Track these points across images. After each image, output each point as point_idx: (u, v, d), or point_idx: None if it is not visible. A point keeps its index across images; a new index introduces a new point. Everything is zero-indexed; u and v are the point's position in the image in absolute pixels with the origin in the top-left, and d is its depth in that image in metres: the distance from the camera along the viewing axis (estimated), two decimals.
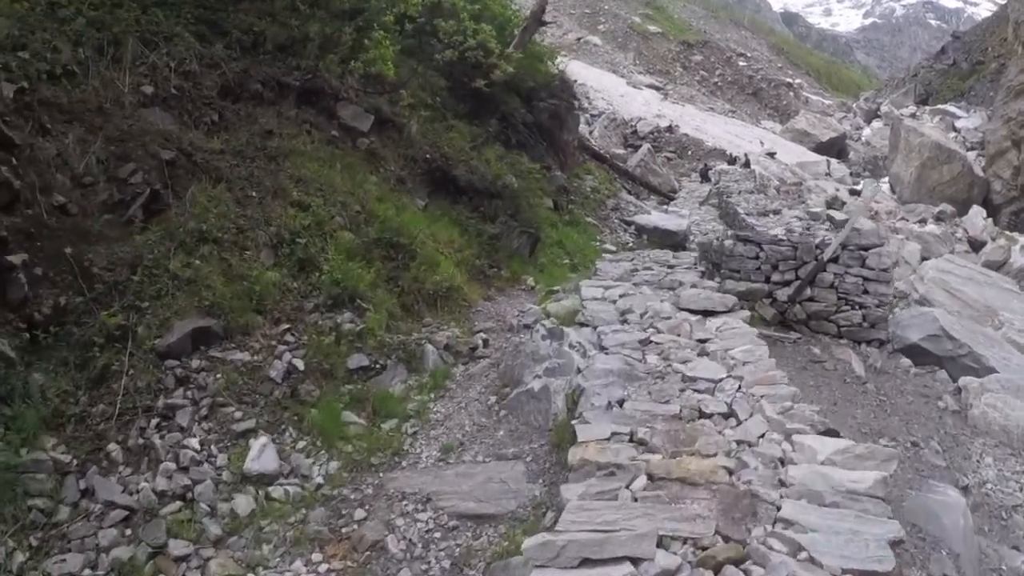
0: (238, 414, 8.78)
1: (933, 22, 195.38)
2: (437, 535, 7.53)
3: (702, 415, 7.66)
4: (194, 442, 8.35)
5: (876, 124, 55.36)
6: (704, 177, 37.90)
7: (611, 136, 41.79)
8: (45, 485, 7.68)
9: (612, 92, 49.86)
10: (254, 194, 11.61)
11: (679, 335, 10.13)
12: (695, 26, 78.83)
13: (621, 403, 7.90)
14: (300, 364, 9.59)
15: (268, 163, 12.38)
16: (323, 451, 8.80)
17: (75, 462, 7.98)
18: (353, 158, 14.47)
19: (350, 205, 12.74)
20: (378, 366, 10.39)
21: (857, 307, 12.55)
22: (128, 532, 7.61)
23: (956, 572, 7.18)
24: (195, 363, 9.12)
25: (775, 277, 12.59)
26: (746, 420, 7.49)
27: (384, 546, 7.45)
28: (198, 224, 10.37)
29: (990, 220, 32.33)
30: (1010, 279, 23.44)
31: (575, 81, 34.86)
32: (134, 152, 10.75)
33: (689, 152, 43.56)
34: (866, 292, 12.51)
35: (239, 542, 7.68)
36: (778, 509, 5.91)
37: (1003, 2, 54.54)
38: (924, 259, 26.09)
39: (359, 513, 7.83)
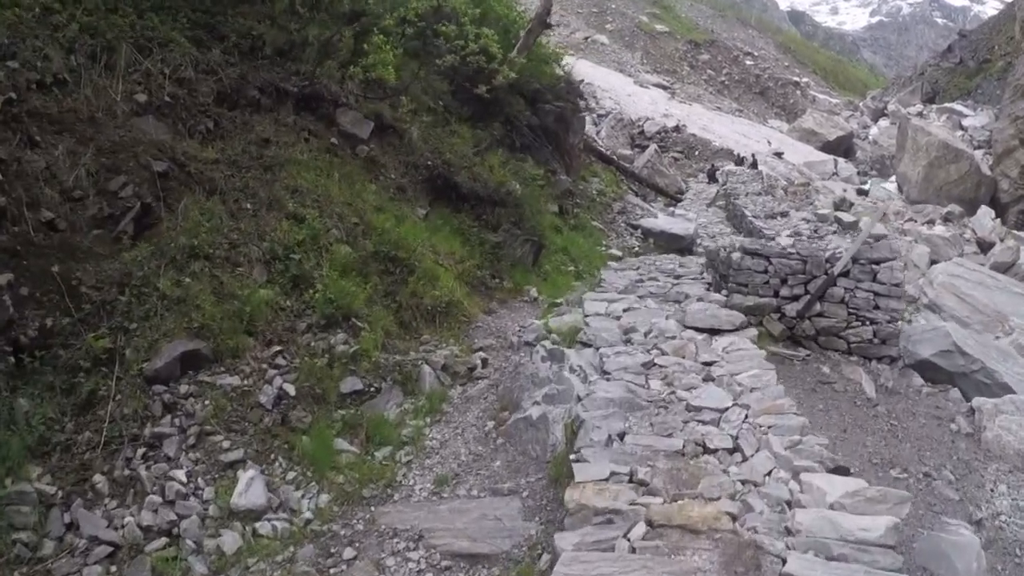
0: (226, 443, 8.50)
1: (940, 20, 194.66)
2: None
3: (706, 450, 7.33)
4: (181, 474, 8.08)
5: (883, 123, 54.96)
6: (711, 178, 37.58)
7: (618, 136, 41.51)
8: (30, 518, 7.44)
9: (619, 91, 49.50)
10: (248, 206, 11.33)
11: (684, 357, 9.82)
12: (702, 25, 78.46)
13: (622, 437, 7.57)
14: (291, 389, 9.30)
15: (264, 173, 12.07)
16: (313, 482, 8.51)
17: (60, 494, 7.73)
18: (352, 166, 14.16)
19: (347, 217, 12.45)
20: (372, 389, 10.09)
21: (868, 323, 12.25)
22: (113, 569, 7.34)
23: None
24: (183, 388, 8.84)
25: (784, 291, 12.29)
26: (752, 456, 7.16)
27: None
28: (189, 239, 10.10)
29: (998, 221, 31.96)
30: (1021, 283, 23.06)
31: (582, 80, 34.59)
32: (125, 164, 10.45)
33: (696, 152, 43.18)
34: (877, 307, 12.22)
35: None
36: (783, 563, 5.59)
37: (1010, 0, 54.14)
38: (933, 262, 25.79)
39: (348, 552, 7.50)
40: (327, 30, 14.53)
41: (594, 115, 41.86)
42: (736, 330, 11.09)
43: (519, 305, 14.69)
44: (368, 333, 10.60)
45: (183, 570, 7.38)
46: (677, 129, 44.63)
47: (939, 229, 30.81)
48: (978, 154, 36.83)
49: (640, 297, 13.25)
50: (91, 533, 7.49)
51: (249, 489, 7.97)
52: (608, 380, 8.94)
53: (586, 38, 64.03)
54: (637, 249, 23.29)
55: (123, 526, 7.60)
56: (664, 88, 57.42)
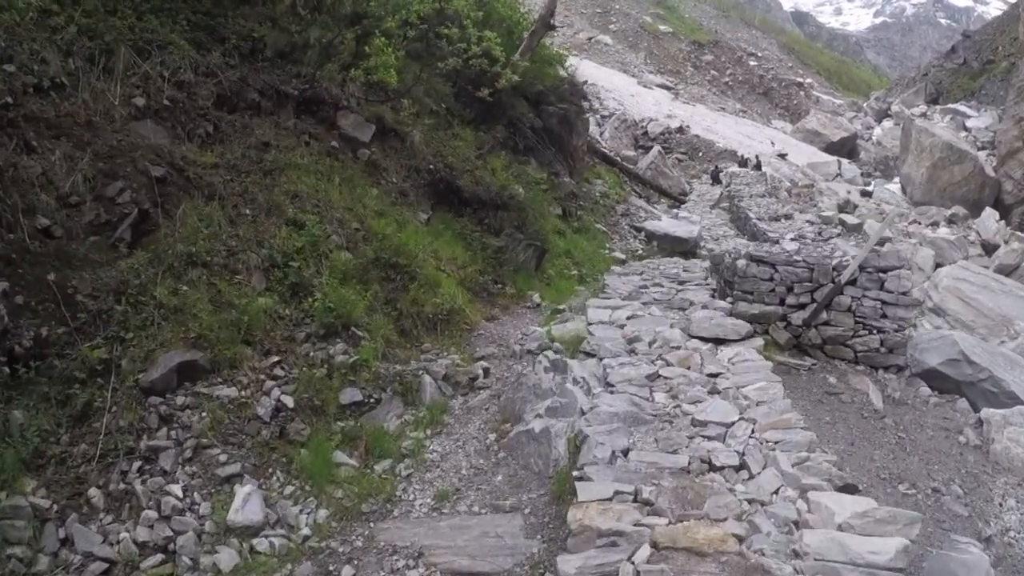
0: (223, 457, 8.35)
1: (943, 21, 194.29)
2: None
3: (712, 467, 7.16)
4: (177, 488, 7.94)
5: (887, 124, 54.83)
6: (715, 179, 37.50)
7: (622, 137, 41.39)
8: (24, 533, 7.33)
9: (623, 92, 49.39)
10: (247, 212, 11.20)
11: (689, 368, 9.63)
12: (706, 26, 78.34)
13: (626, 453, 7.38)
14: (289, 401, 9.14)
15: (263, 178, 11.96)
16: (312, 497, 8.35)
17: (55, 507, 7.62)
18: (353, 170, 14.03)
19: (348, 222, 12.32)
20: (372, 400, 9.94)
21: (875, 332, 12.07)
22: None
23: None
24: (180, 400, 8.70)
25: (790, 300, 12.12)
26: (759, 474, 7.00)
27: None
28: (187, 246, 9.98)
29: (1003, 223, 31.85)
30: None
31: (585, 81, 34.46)
32: (123, 169, 10.33)
33: (700, 153, 43.08)
34: (884, 316, 12.04)
35: None
36: None
37: (1013, 1, 54.03)
38: (938, 265, 25.70)
39: (347, 570, 7.33)
40: (328, 32, 14.39)
41: (597, 116, 41.79)
42: (742, 340, 10.92)
43: (522, 311, 14.54)
44: (368, 342, 10.45)
45: None
46: (681, 130, 44.54)
47: (943, 231, 30.73)
48: (982, 155, 36.74)
49: (644, 304, 13.06)
50: (86, 549, 7.36)
51: (246, 505, 7.83)
52: (612, 393, 8.76)
53: (590, 39, 63.95)
54: (641, 252, 23.16)
55: (118, 542, 7.47)
56: (668, 89, 57.32)
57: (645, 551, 5.78)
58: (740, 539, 5.95)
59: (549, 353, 10.62)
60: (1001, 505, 9.30)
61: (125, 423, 8.27)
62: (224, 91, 12.69)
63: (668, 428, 7.92)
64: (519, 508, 8.00)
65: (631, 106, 46.64)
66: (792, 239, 24.15)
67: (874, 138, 53.66)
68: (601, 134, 38.92)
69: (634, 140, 42.37)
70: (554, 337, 11.60)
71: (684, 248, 23.93)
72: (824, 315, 12.02)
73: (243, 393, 9.03)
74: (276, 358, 9.65)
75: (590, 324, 11.77)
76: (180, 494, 7.91)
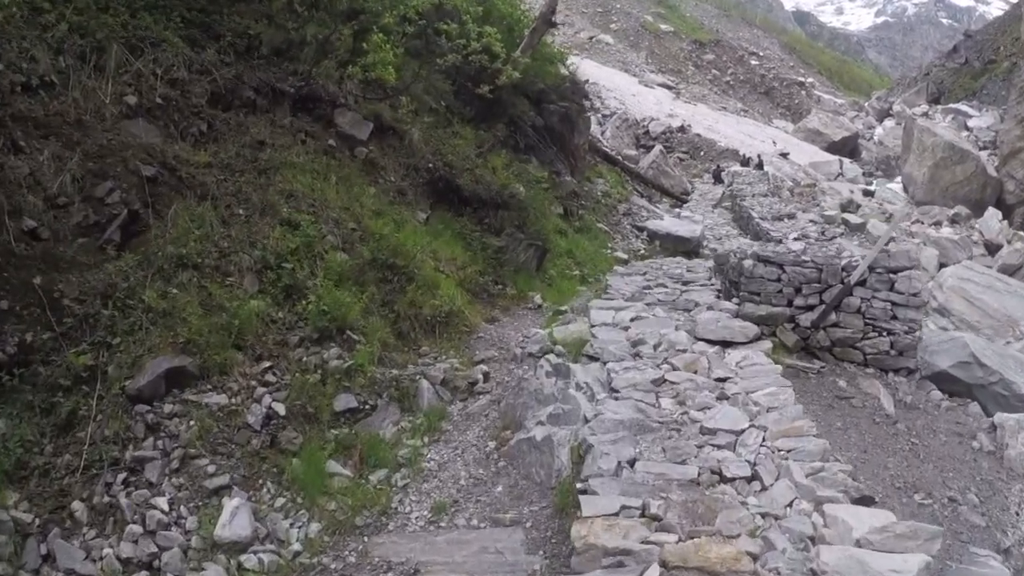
0: (211, 468, 8.04)
1: (945, 21, 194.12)
2: None
3: (723, 479, 6.84)
4: (162, 501, 7.64)
5: (888, 123, 54.63)
6: (717, 179, 37.29)
7: (623, 136, 41.14)
8: (5, 548, 7.09)
9: (624, 91, 49.15)
10: (241, 212, 10.91)
11: (696, 372, 9.32)
12: (707, 25, 78.15)
13: (632, 464, 7.06)
14: (281, 408, 8.81)
15: (258, 177, 11.67)
16: (303, 510, 8.02)
17: (37, 522, 7.37)
18: (350, 169, 13.72)
19: (344, 222, 12.02)
20: (367, 407, 9.61)
21: (885, 333, 11.74)
22: None
23: None
24: (167, 407, 8.40)
25: (798, 301, 11.78)
26: (772, 485, 6.69)
27: None
28: (177, 248, 9.70)
29: (1005, 223, 31.61)
30: None
31: (586, 80, 34.21)
32: (113, 169, 10.07)
33: (702, 153, 42.84)
34: (895, 318, 11.72)
35: None
36: None
37: (1015, 1, 53.84)
38: (942, 265, 25.45)
39: None
40: (326, 28, 14.09)
41: (599, 115, 41.54)
42: (750, 342, 10.62)
43: (523, 313, 14.22)
44: (364, 346, 10.13)
45: None
46: (682, 129, 44.33)
47: (946, 231, 30.50)
48: (983, 155, 36.50)
49: (648, 305, 12.78)
50: (68, 566, 7.11)
51: (234, 519, 7.49)
52: (617, 399, 8.44)
53: (591, 38, 63.73)
54: (643, 252, 22.89)
55: (101, 558, 7.20)
56: (669, 88, 57.12)
57: (654, 571, 5.45)
58: (754, 557, 5.63)
59: (551, 357, 10.31)
60: (1018, 514, 9.01)
61: (110, 433, 8.00)
62: (219, 89, 12.40)
63: (676, 436, 7.60)
64: (520, 522, 7.67)
65: (632, 105, 46.42)
66: (796, 239, 23.97)
67: (875, 138, 53.46)
68: (602, 133, 38.67)
69: (635, 139, 42.15)
70: (556, 340, 11.29)
71: (687, 248, 23.70)
72: (833, 317, 11.70)
73: (233, 400, 8.72)
74: (268, 363, 9.33)
75: (593, 326, 11.48)
76: (166, 507, 7.61)
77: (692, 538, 5.83)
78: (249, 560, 7.35)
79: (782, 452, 7.27)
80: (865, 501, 6.68)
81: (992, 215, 31.76)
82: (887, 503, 7.96)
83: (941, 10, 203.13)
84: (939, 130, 37.86)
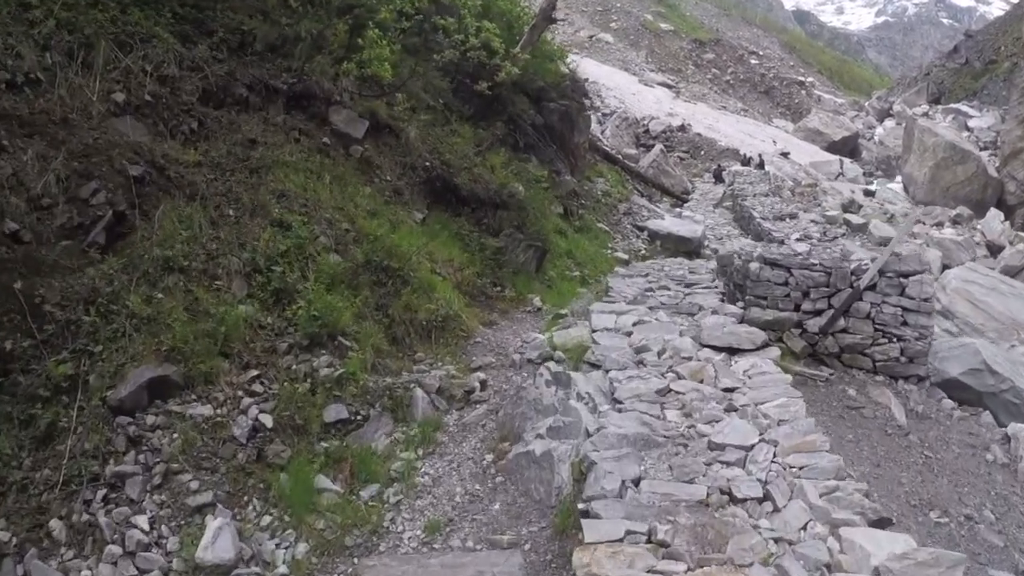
0: (194, 484, 7.70)
1: (945, 21, 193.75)
2: None
3: (733, 500, 6.49)
4: (143, 520, 7.31)
5: (889, 123, 54.44)
6: (718, 178, 36.99)
7: (623, 135, 40.82)
8: None
9: (624, 90, 48.81)
10: (231, 212, 10.58)
11: (702, 381, 8.98)
12: (707, 24, 77.76)
13: (637, 483, 6.70)
14: (268, 420, 8.46)
15: (249, 176, 11.36)
16: (290, 529, 7.66)
17: (14, 540, 7.06)
18: (345, 168, 13.37)
19: (337, 223, 11.67)
20: (359, 417, 9.24)
21: (895, 340, 11.40)
22: None
23: None
24: (150, 419, 8.07)
25: (806, 305, 11.41)
26: (785, 507, 6.34)
27: None
28: (164, 251, 9.38)
29: (1008, 223, 31.37)
30: None
31: (586, 79, 33.87)
32: (98, 168, 9.76)
33: (702, 152, 42.51)
34: (905, 324, 11.37)
35: None
36: None
37: (1016, 1, 53.65)
38: (945, 267, 25.16)
39: None
40: (320, 24, 13.74)
41: (599, 114, 41.23)
42: (757, 349, 10.28)
43: (521, 316, 13.85)
44: (356, 353, 9.77)
45: None
46: (682, 128, 44.01)
47: (949, 232, 30.26)
48: (984, 155, 36.28)
49: (651, 308, 12.45)
50: None
51: (217, 541, 7.11)
52: (620, 411, 8.08)
53: (591, 36, 63.39)
54: (644, 252, 22.57)
55: None
56: (669, 87, 56.79)
57: None
58: None
59: (551, 364, 9.94)
60: None
61: (90, 446, 7.68)
62: (210, 86, 12.11)
63: (683, 452, 7.25)
64: (518, 543, 7.30)
65: (632, 104, 46.10)
66: (798, 239, 23.73)
67: (876, 137, 53.24)
68: (602, 132, 38.35)
69: (635, 138, 41.85)
70: (556, 345, 10.94)
71: (688, 248, 23.41)
72: (842, 322, 11.35)
73: (218, 411, 8.38)
74: (255, 372, 8.98)
75: (594, 331, 11.14)
76: (146, 527, 7.28)
77: (702, 566, 5.47)
78: None
79: (794, 469, 6.93)
80: (882, 523, 6.34)
81: (994, 216, 31.55)
82: (903, 522, 7.63)
83: (942, 10, 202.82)
84: (940, 130, 37.67)
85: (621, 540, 5.78)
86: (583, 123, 26.33)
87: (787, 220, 26.72)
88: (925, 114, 45.96)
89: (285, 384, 8.95)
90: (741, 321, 11.30)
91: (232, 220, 10.44)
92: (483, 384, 10.52)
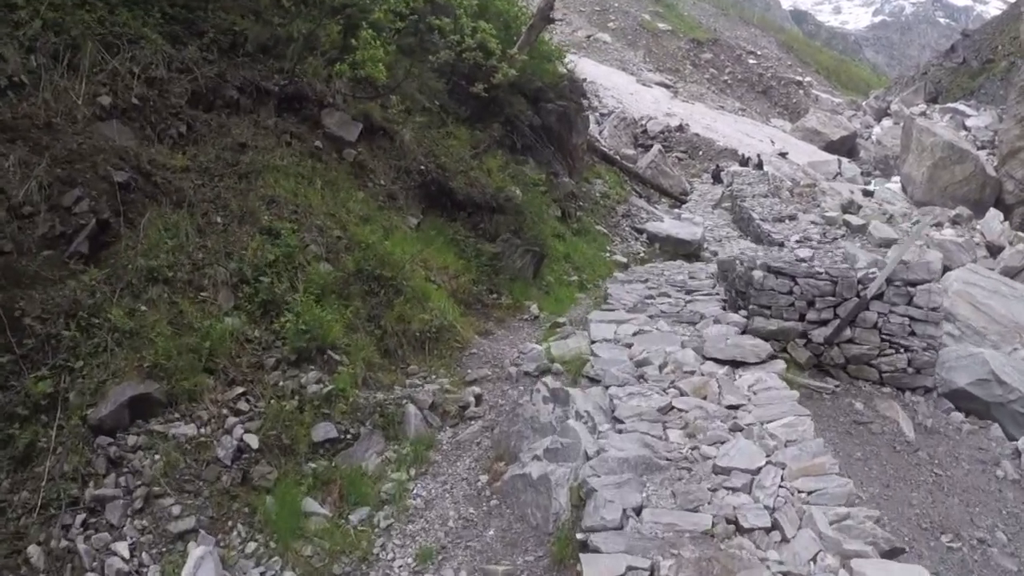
0: (176, 508, 7.35)
1: (942, 20, 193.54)
2: None
3: (739, 529, 6.17)
4: (123, 547, 6.97)
5: (886, 122, 54.39)
6: (716, 179, 36.79)
7: (621, 136, 40.58)
8: None
9: (622, 90, 48.56)
10: (219, 220, 10.26)
11: (705, 398, 8.65)
12: (705, 24, 77.62)
13: (638, 512, 6.39)
14: (254, 440, 8.11)
15: (238, 182, 11.05)
16: (276, 556, 7.30)
17: None
18: (337, 172, 13.07)
19: (329, 230, 11.36)
20: (349, 436, 8.89)
21: (902, 350, 11.15)
22: None
23: None
24: (131, 439, 7.73)
25: (811, 315, 11.16)
26: (794, 537, 6.02)
27: None
28: (148, 261, 9.04)
29: (1007, 224, 31.14)
30: None
31: (584, 79, 33.59)
32: (82, 175, 9.43)
33: (700, 152, 42.27)
34: (913, 334, 11.11)
35: None
36: None
37: (1013, 0, 53.54)
38: (946, 268, 24.89)
39: None
40: (313, 24, 13.43)
41: (596, 114, 40.99)
42: (761, 363, 9.97)
43: (518, 324, 13.54)
44: (346, 368, 9.43)
45: None
46: (680, 128, 43.79)
47: (949, 232, 30.01)
48: (982, 155, 36.12)
49: (651, 317, 12.18)
50: None
51: (199, 571, 6.74)
52: (620, 432, 7.75)
53: (588, 36, 63.16)
54: (643, 255, 22.32)
55: None
56: (667, 87, 56.58)
57: None
58: None
59: (548, 379, 9.59)
60: None
61: (70, 468, 7.34)
62: (200, 88, 11.79)
63: (686, 477, 6.94)
64: (514, 574, 6.98)
65: (630, 104, 45.84)
66: (798, 241, 23.58)
67: (874, 137, 53.14)
68: (600, 132, 38.11)
69: (633, 139, 41.63)
70: (554, 357, 10.64)
71: (687, 251, 23.23)
72: (848, 332, 11.09)
73: (202, 431, 8.03)
74: (241, 389, 8.62)
75: (593, 342, 10.86)
76: (126, 554, 6.94)
77: None
78: None
79: (803, 495, 6.62)
80: (895, 553, 6.05)
81: (994, 216, 31.35)
82: (915, 547, 7.36)
83: (939, 9, 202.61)
84: (938, 130, 37.51)
85: None
86: (581, 124, 26.08)
87: (786, 222, 26.57)
88: (923, 113, 45.94)
89: (272, 402, 8.61)
90: (744, 331, 11.04)
91: (220, 228, 10.13)
92: (478, 399, 10.19)
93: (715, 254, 21.91)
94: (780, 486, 6.73)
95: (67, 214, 9.07)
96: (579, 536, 6.19)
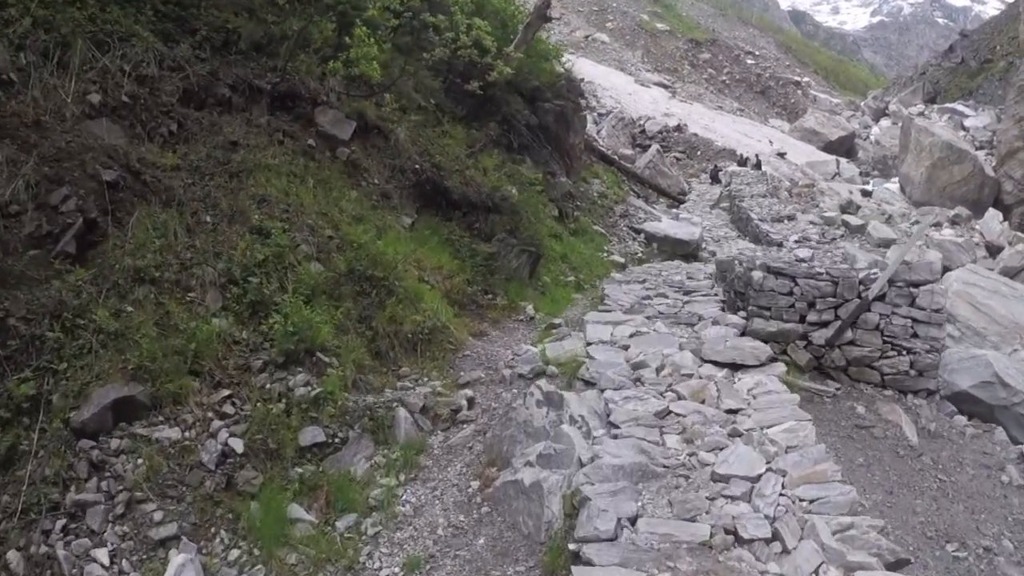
0: (158, 514, 7.17)
1: (941, 20, 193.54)
2: None
3: (739, 540, 5.97)
4: (103, 554, 6.82)
5: (884, 123, 54.24)
6: (714, 179, 36.65)
7: (619, 136, 40.41)
8: None
9: (620, 90, 48.38)
10: (208, 219, 10.11)
11: (704, 402, 8.47)
12: (703, 24, 77.48)
13: (633, 521, 6.19)
14: (239, 445, 7.93)
15: (229, 180, 10.91)
16: (260, 564, 7.11)
17: None
18: (330, 171, 12.89)
19: (320, 229, 11.18)
20: (337, 440, 8.70)
21: (904, 352, 10.94)
22: None
23: None
24: (114, 443, 7.57)
25: (811, 317, 10.94)
26: (795, 548, 5.83)
27: None
28: (135, 260, 8.90)
29: (1006, 224, 31.03)
30: None
31: (582, 79, 33.44)
32: (70, 173, 9.31)
33: (698, 152, 42.10)
34: (915, 336, 10.91)
35: None
36: None
37: (1011, 0, 53.45)
38: (946, 269, 24.74)
39: None
40: (306, 21, 13.25)
41: (595, 114, 40.84)
42: (761, 365, 9.78)
43: (513, 325, 13.35)
44: (335, 370, 9.24)
45: None
46: (679, 128, 43.61)
47: (948, 232, 29.91)
48: (980, 155, 36.02)
49: (648, 318, 11.97)
50: None
51: None
52: (616, 437, 7.55)
53: (586, 36, 63.00)
54: (640, 255, 22.14)
55: None
56: (665, 87, 56.41)
57: None
58: None
59: (543, 383, 9.34)
60: None
61: (51, 472, 7.20)
62: (191, 86, 11.67)
63: (684, 485, 6.74)
64: None
65: (628, 104, 45.66)
66: (796, 241, 23.47)
67: (872, 137, 52.97)
68: (598, 132, 37.94)
69: (632, 139, 41.45)
70: (549, 359, 10.44)
71: (685, 251, 23.08)
72: (849, 334, 10.90)
73: (187, 435, 7.86)
74: (227, 391, 8.46)
75: (589, 344, 10.66)
76: (107, 561, 6.78)
77: None
78: None
79: (804, 503, 6.44)
80: (900, 564, 5.87)
81: (993, 216, 31.25)
82: (920, 558, 7.16)
83: (937, 9, 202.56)
84: (937, 130, 37.39)
85: None
86: (579, 123, 25.93)
87: (785, 222, 26.49)
88: (921, 114, 45.78)
89: (258, 405, 8.42)
90: (743, 333, 10.86)
91: (209, 227, 9.97)
92: (471, 402, 9.98)
93: (713, 254, 21.78)
94: (781, 494, 6.55)
95: (54, 213, 8.95)
96: (571, 547, 6.00)
